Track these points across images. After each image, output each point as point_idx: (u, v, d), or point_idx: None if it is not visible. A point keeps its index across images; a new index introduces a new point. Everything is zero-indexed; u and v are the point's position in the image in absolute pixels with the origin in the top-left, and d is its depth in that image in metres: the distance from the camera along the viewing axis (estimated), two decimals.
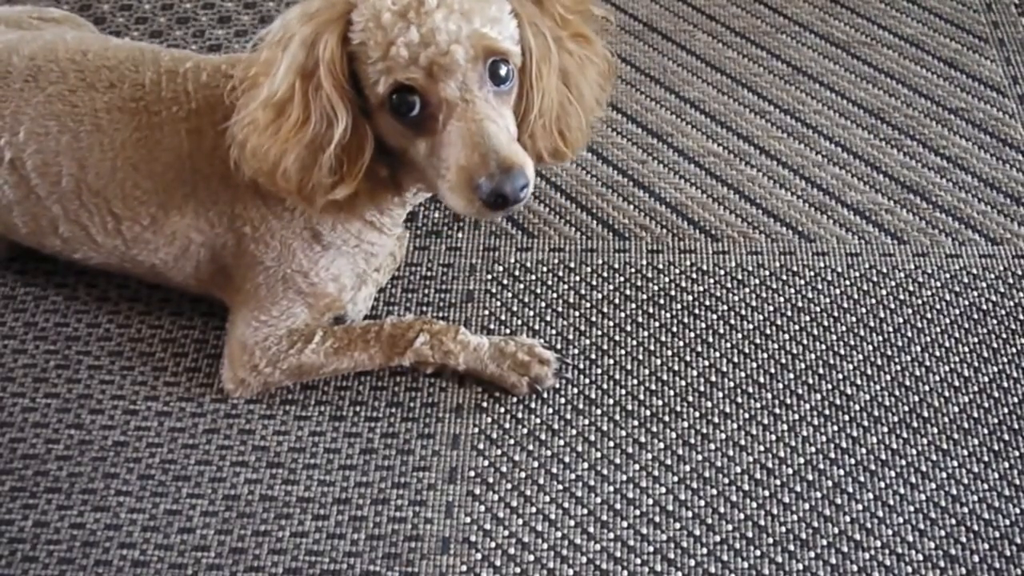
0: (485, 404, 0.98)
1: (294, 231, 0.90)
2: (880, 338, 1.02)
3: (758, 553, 0.88)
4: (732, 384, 0.99)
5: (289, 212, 0.89)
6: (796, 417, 0.97)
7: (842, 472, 0.93)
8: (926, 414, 0.97)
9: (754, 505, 0.91)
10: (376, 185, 0.84)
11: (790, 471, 0.93)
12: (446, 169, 0.76)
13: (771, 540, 0.89)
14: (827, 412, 0.97)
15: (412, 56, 0.74)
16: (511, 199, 0.74)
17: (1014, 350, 1.01)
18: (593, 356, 1.02)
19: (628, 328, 1.04)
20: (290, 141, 0.78)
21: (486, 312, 1.05)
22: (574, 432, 0.96)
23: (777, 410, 0.97)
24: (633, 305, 1.06)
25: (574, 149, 0.88)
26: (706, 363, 1.01)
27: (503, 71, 0.77)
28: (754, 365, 1.01)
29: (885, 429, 0.96)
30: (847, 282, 1.07)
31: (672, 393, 0.99)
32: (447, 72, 0.74)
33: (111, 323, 1.04)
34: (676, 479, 0.93)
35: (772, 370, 1.00)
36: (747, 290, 1.07)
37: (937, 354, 1.01)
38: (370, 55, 0.75)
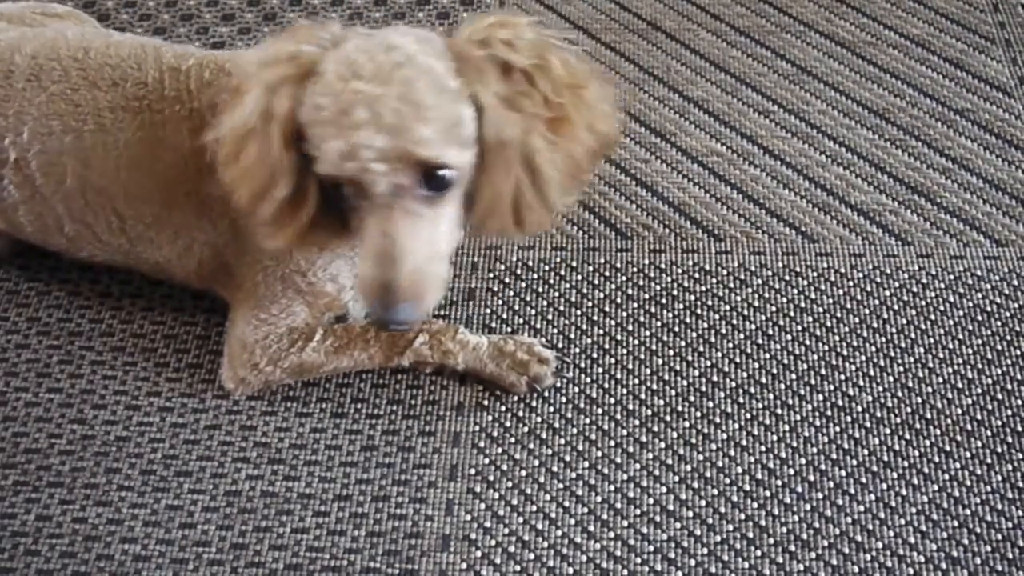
0: (486, 402, 0.98)
1: None
2: (883, 339, 1.02)
3: (759, 553, 0.88)
4: (734, 384, 0.99)
5: None
6: (798, 418, 0.97)
7: (844, 473, 0.93)
8: (929, 416, 0.96)
9: (755, 505, 0.91)
10: (335, 230, 0.82)
11: (791, 472, 0.93)
12: (360, 260, 0.77)
13: (772, 540, 0.89)
14: (829, 413, 0.97)
15: (339, 162, 0.72)
16: (390, 327, 0.76)
17: (1018, 352, 1.01)
18: (595, 355, 1.01)
19: (630, 327, 1.04)
20: (243, 178, 0.77)
21: (488, 310, 1.05)
22: (575, 431, 0.96)
23: (779, 411, 0.97)
24: (635, 304, 1.06)
25: (529, 232, 0.83)
26: (708, 363, 1.01)
27: (440, 176, 0.73)
28: (756, 365, 1.00)
29: (887, 430, 0.95)
30: (850, 283, 1.07)
31: (673, 393, 0.99)
32: (370, 182, 0.72)
33: (114, 319, 1.05)
34: (677, 479, 0.93)
35: (774, 370, 1.00)
36: (750, 290, 1.06)
37: (940, 356, 1.01)
38: (310, 136, 0.73)
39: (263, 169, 0.76)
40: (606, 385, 0.99)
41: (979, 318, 1.03)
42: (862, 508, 0.91)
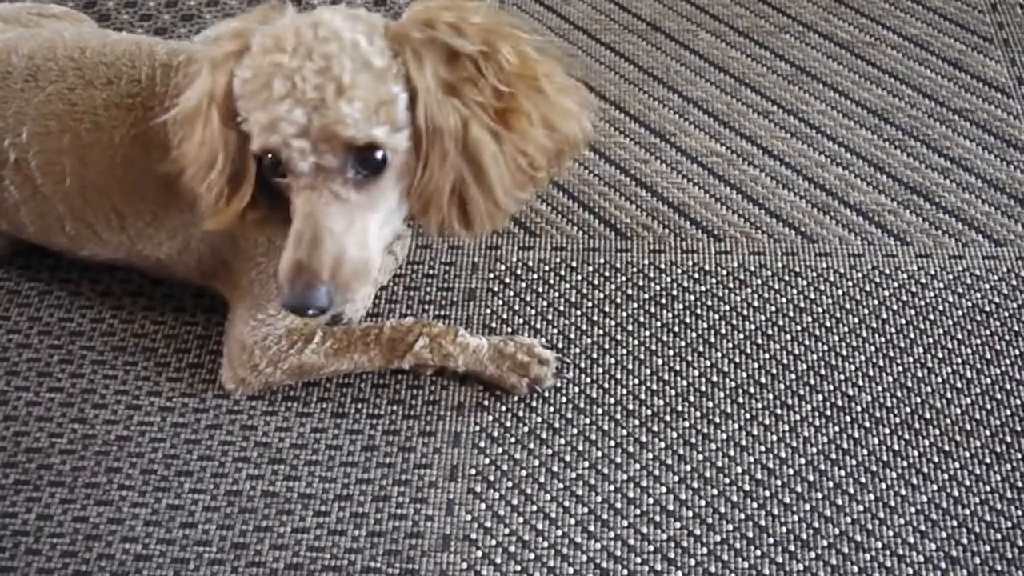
0: (486, 402, 0.98)
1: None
2: (882, 339, 1.02)
3: (758, 553, 0.88)
4: (733, 384, 0.99)
5: None
6: (797, 418, 0.97)
7: (843, 473, 0.93)
8: (928, 416, 0.97)
9: (755, 505, 0.91)
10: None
11: (791, 471, 0.93)
12: (286, 244, 0.73)
13: (772, 540, 0.89)
14: (828, 413, 0.97)
15: (263, 136, 0.71)
16: (305, 312, 0.73)
17: (1017, 352, 1.01)
18: (595, 355, 1.02)
19: (630, 327, 1.04)
20: (190, 157, 0.77)
21: (488, 311, 1.05)
22: (575, 431, 0.96)
23: (778, 411, 0.97)
24: (635, 304, 1.06)
25: (478, 231, 0.78)
26: (707, 363, 1.01)
27: (370, 158, 0.71)
28: (756, 365, 1.01)
29: (887, 430, 0.96)
30: (849, 283, 1.07)
31: (673, 393, 0.99)
32: (292, 158, 0.71)
33: (114, 318, 1.05)
34: (677, 478, 0.93)
35: (774, 370, 1.00)
36: (749, 290, 1.07)
37: (939, 356, 1.01)
38: (240, 111, 0.73)
39: (206, 147, 0.76)
40: (606, 385, 0.99)
41: (978, 318, 1.04)
42: (861, 508, 0.91)
